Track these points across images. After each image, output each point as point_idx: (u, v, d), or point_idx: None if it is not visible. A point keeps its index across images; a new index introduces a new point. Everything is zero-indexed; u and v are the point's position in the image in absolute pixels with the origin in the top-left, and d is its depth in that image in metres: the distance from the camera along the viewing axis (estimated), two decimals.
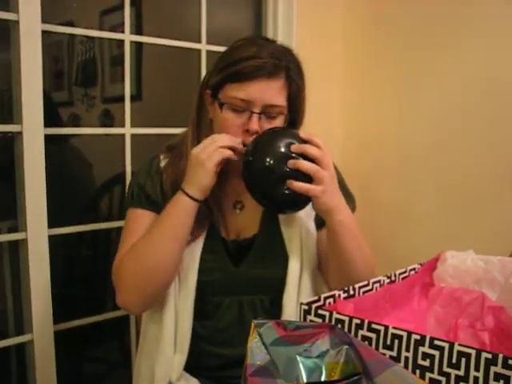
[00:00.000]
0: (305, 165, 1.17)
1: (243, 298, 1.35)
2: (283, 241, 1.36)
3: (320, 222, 1.38)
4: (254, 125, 1.25)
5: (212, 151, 1.20)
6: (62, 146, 1.89)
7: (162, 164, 1.38)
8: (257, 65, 1.25)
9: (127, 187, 1.46)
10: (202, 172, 1.21)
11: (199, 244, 1.32)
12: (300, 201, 1.23)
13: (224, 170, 1.33)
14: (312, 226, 1.39)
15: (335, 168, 1.40)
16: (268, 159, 1.19)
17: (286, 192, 1.19)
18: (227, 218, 1.38)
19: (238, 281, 1.34)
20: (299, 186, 1.17)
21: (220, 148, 1.21)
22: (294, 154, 1.19)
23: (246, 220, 1.39)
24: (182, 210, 1.23)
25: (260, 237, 1.37)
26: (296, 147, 1.19)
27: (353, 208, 1.42)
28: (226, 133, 1.27)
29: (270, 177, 1.20)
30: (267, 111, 1.27)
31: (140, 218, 1.34)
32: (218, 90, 1.30)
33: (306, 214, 1.38)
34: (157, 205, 1.32)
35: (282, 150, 1.19)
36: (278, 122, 1.30)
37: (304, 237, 1.36)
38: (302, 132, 1.26)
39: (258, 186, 1.23)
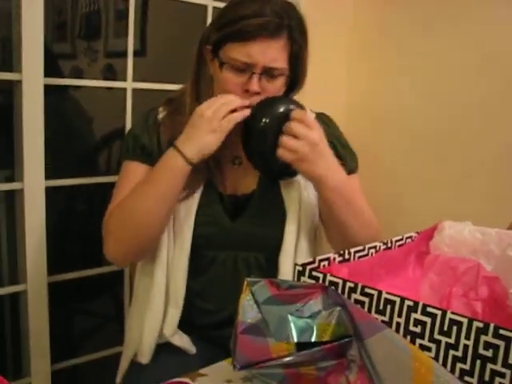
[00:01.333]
0: (282, 139, 1.20)
1: (238, 254, 1.35)
2: (282, 200, 1.35)
3: None
4: (255, 85, 1.23)
5: (223, 118, 1.19)
6: (62, 98, 1.87)
7: (160, 116, 1.36)
8: (258, 23, 1.22)
9: (124, 139, 1.43)
10: (211, 139, 1.20)
11: (195, 198, 1.31)
12: (282, 171, 1.28)
13: None
14: (312, 189, 1.37)
15: (334, 128, 1.43)
16: (260, 128, 1.23)
17: (273, 161, 1.23)
18: (225, 173, 1.37)
19: (234, 236, 1.34)
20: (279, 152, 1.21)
21: (231, 114, 1.20)
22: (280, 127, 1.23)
23: (244, 175, 1.38)
24: (174, 173, 1.21)
25: (258, 193, 1.36)
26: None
27: (354, 167, 1.43)
28: (225, 91, 1.25)
29: (260, 144, 1.25)
30: (268, 72, 1.25)
31: (135, 171, 1.33)
32: (218, 48, 1.27)
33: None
34: (152, 157, 1.30)
35: (271, 120, 1.23)
36: (279, 82, 1.28)
37: (303, 199, 1.35)
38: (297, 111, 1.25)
39: (252, 151, 1.28)
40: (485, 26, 2.05)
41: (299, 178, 1.35)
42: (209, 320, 1.36)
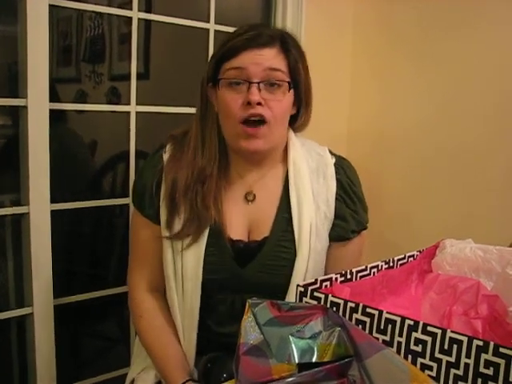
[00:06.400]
0: None
1: (246, 296, 1.32)
2: (294, 243, 1.30)
3: (333, 236, 1.36)
4: (254, 95, 1.20)
5: None
6: (66, 122, 1.89)
7: (165, 157, 1.34)
8: (249, 37, 1.23)
9: (133, 182, 1.45)
10: None
11: (202, 246, 1.28)
12: None
13: (232, 156, 1.32)
14: (323, 231, 1.35)
15: (353, 175, 1.39)
16: None
17: None
18: (235, 213, 1.33)
19: (243, 281, 1.30)
20: None
21: None
22: None
23: (257, 213, 1.34)
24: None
25: (271, 240, 1.31)
26: None
27: (365, 221, 1.40)
28: (227, 111, 1.24)
29: None
30: (266, 78, 1.23)
31: (141, 227, 1.37)
32: (216, 75, 1.27)
33: (320, 219, 1.34)
34: (155, 212, 1.33)
35: None
36: (282, 95, 1.25)
37: (313, 241, 1.31)
38: None
39: None
40: (505, 26, 1.96)
41: (310, 221, 1.31)
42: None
